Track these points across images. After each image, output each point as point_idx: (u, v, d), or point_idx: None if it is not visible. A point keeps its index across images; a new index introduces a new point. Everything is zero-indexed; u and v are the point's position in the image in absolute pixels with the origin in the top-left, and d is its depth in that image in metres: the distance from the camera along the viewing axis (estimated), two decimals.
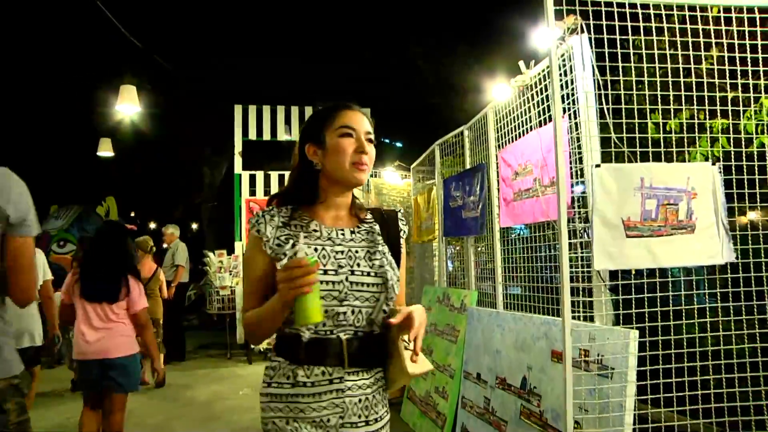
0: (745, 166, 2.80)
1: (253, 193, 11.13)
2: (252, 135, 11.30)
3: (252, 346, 9.08)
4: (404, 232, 1.90)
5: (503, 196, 3.94)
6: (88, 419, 3.92)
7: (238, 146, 11.10)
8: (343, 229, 1.79)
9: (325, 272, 1.66)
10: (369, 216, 1.88)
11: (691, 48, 2.78)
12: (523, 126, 3.71)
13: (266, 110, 11.40)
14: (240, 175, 11.04)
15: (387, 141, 17.60)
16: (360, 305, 1.71)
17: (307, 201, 1.79)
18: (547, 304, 3.55)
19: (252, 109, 11.32)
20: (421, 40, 11.88)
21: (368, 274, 1.73)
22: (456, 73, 11.01)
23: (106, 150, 11.84)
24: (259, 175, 11.29)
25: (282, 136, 11.46)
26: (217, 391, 7.11)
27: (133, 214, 20.41)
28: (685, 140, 2.79)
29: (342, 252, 1.73)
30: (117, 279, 3.88)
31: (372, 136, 1.81)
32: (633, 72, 2.74)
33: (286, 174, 10.69)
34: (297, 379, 1.67)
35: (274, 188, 11.27)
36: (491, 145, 4.24)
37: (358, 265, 1.73)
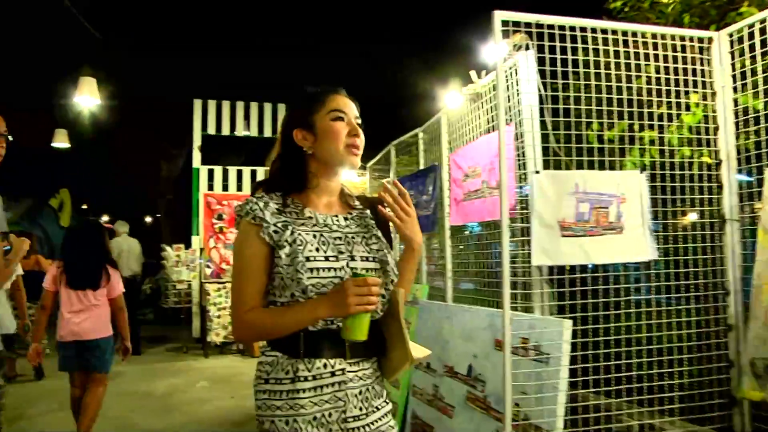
0: (668, 175, 3.13)
1: (211, 187, 11.16)
2: (211, 130, 11.33)
3: (208, 340, 9.18)
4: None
5: (454, 196, 4.20)
6: (75, 398, 4.49)
7: (197, 141, 11.12)
8: (337, 216, 1.77)
9: (326, 258, 1.65)
10: (358, 203, 1.86)
11: (623, 68, 3.07)
12: (473, 131, 3.98)
13: (226, 105, 11.46)
14: (198, 169, 11.07)
15: None
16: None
17: (297, 188, 1.75)
18: (494, 298, 3.81)
19: (212, 104, 11.35)
20: (380, 45, 12.15)
21: (367, 260, 1.72)
22: (413, 78, 11.32)
23: (61, 141, 11.70)
24: (218, 169, 11.32)
25: (241, 132, 11.53)
26: (175, 384, 7.22)
27: (85, 207, 20.11)
28: (617, 150, 3.10)
29: (340, 238, 1.71)
30: (98, 268, 4.49)
31: (360, 121, 1.79)
32: (572, 88, 3.02)
33: (244, 169, 10.82)
34: (298, 373, 1.62)
35: (232, 183, 11.34)
36: (444, 147, 4.49)
37: (357, 251, 1.72)
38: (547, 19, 2.82)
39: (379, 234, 1.79)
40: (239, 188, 11.37)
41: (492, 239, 3.92)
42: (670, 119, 3.15)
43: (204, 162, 11.22)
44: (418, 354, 1.71)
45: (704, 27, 3.55)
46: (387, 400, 1.79)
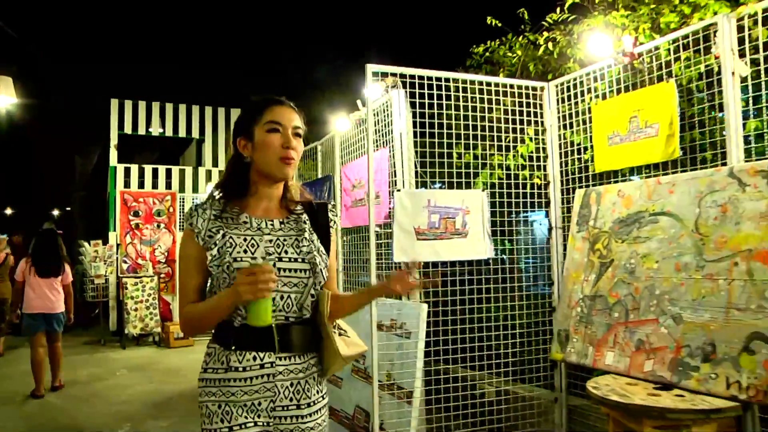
0: (513, 192, 4.01)
1: (127, 184, 11.46)
2: (128, 129, 11.63)
3: (126, 332, 9.59)
4: (334, 222, 1.96)
5: (344, 202, 4.96)
6: (38, 357, 6.39)
7: (114, 139, 11.39)
8: (272, 220, 1.83)
9: (254, 259, 1.73)
10: (299, 208, 1.92)
11: (479, 107, 3.92)
12: (359, 150, 4.75)
13: (142, 106, 11.78)
14: (115, 167, 11.35)
15: None
16: (289, 290, 1.76)
17: (237, 194, 1.84)
18: None
19: (128, 104, 11.65)
20: (289, 72, 13.08)
21: (296, 260, 1.78)
22: (315, 103, 12.50)
23: None
24: (134, 167, 11.64)
25: (156, 131, 11.88)
26: (95, 373, 7.64)
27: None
28: (472, 173, 3.94)
29: (271, 241, 1.78)
30: (59, 263, 6.62)
31: (300, 131, 1.84)
32: (436, 123, 3.83)
33: (160, 167, 11.24)
34: (230, 364, 1.72)
35: (148, 180, 11.70)
36: (337, 161, 5.26)
37: (286, 252, 1.78)
38: (408, 70, 3.63)
39: (314, 237, 1.86)
40: (155, 185, 11.75)
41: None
42: (513, 148, 4.03)
43: (120, 160, 11.51)
44: (348, 351, 1.84)
45: (546, 74, 4.45)
46: (324, 396, 1.87)
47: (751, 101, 3.05)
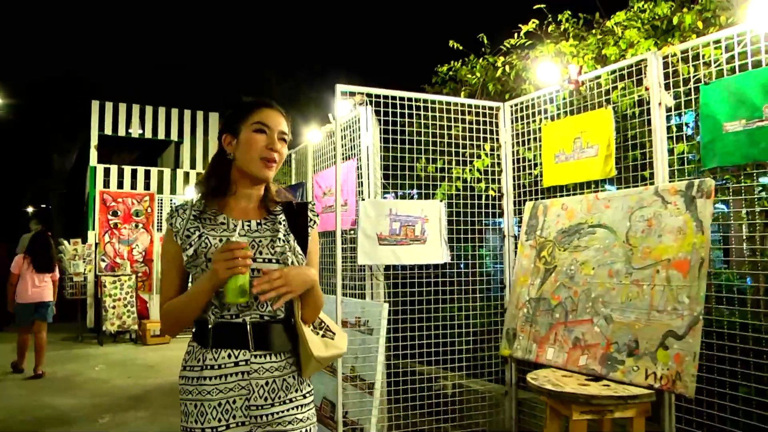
0: (470, 202, 4.39)
1: (107, 184, 11.68)
2: (108, 130, 11.84)
3: (103, 329, 9.81)
4: (314, 221, 1.95)
5: (316, 209, 5.31)
6: (24, 338, 7.50)
7: (94, 140, 11.61)
8: (249, 221, 1.85)
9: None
10: (278, 208, 1.93)
11: (444, 125, 4.29)
12: (330, 159, 5.10)
13: (122, 107, 12.00)
14: (95, 167, 11.56)
15: None
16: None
17: (217, 193, 1.86)
18: (354, 290, 4.94)
19: (109, 106, 11.86)
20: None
21: (269, 261, 1.80)
22: (291, 114, 13.27)
23: None
24: (114, 168, 11.85)
25: (136, 132, 12.12)
26: (74, 368, 7.88)
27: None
28: (431, 185, 4.32)
29: (246, 242, 1.77)
30: (52, 261, 7.65)
31: (286, 137, 1.87)
32: (396, 134, 4.19)
33: (139, 168, 11.51)
34: (206, 362, 1.74)
35: (127, 181, 11.92)
36: (309, 169, 5.61)
37: (260, 252, 1.80)
38: (374, 90, 3.99)
39: (290, 238, 1.86)
40: (134, 186, 11.97)
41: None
42: (470, 162, 4.41)
43: (100, 160, 11.72)
44: (324, 353, 1.86)
45: (504, 93, 4.83)
46: (306, 395, 1.87)
47: (674, 129, 3.45)
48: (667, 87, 3.43)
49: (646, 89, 3.49)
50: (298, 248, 1.86)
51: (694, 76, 3.31)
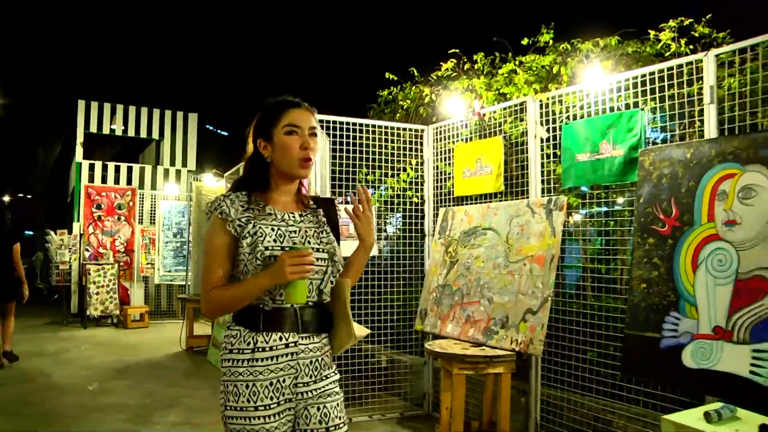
0: (401, 207, 5.40)
1: (91, 179, 12.55)
2: (93, 128, 12.70)
3: (87, 314, 10.70)
4: (340, 216, 2.08)
5: None
6: None
7: (80, 137, 12.46)
8: (293, 213, 1.95)
9: (282, 248, 1.84)
10: (312, 202, 2.06)
11: (382, 143, 5.29)
12: None
13: (107, 107, 12.86)
14: (81, 163, 12.42)
15: (211, 128, 19.50)
16: (311, 277, 1.86)
17: (259, 188, 1.95)
18: None
19: (94, 105, 12.71)
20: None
21: (318, 250, 1.90)
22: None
23: None
24: (98, 164, 12.72)
25: (119, 130, 13.00)
26: (62, 347, 8.77)
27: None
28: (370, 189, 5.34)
29: (295, 232, 1.90)
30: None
31: (316, 130, 1.96)
32: (342, 151, 5.19)
33: (122, 165, 12.48)
34: (257, 345, 1.83)
35: (111, 176, 12.79)
36: None
37: (309, 242, 1.90)
38: (325, 117, 4.98)
39: (329, 229, 2.00)
40: (117, 181, 12.87)
41: None
42: (398, 175, 5.43)
43: (85, 156, 12.58)
44: (360, 333, 2.03)
45: (432, 116, 5.85)
46: (335, 371, 2.02)
47: (551, 155, 4.49)
48: (547, 122, 4.44)
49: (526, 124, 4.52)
50: (335, 240, 2.01)
51: (561, 116, 4.35)
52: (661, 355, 3.30)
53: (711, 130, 3.45)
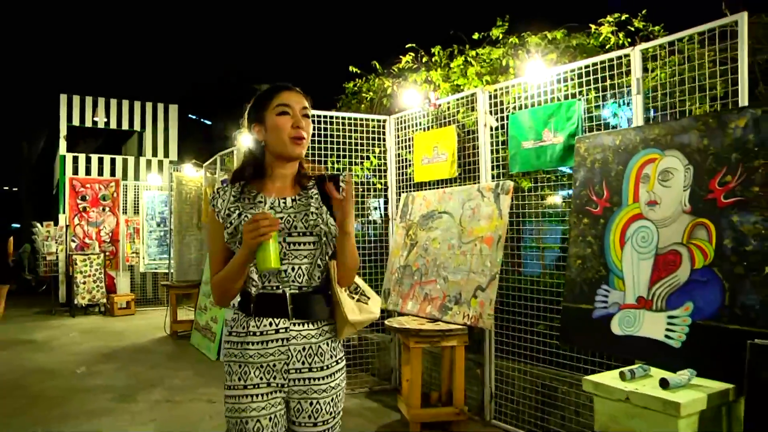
0: (365, 193, 5.72)
1: (75, 171, 12.79)
2: (75, 121, 12.92)
3: (75, 303, 10.96)
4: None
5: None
6: None
7: (63, 131, 12.68)
8: (285, 198, 1.95)
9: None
10: (311, 183, 2.02)
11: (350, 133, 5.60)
12: None
13: (89, 100, 13.08)
14: (65, 156, 12.65)
15: (194, 117, 19.70)
16: (299, 262, 1.88)
17: (253, 176, 1.98)
18: None
19: (76, 99, 12.92)
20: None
21: (304, 234, 1.88)
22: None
23: None
24: (82, 156, 12.96)
25: (102, 122, 13.24)
26: (51, 335, 9.04)
27: None
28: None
29: (282, 218, 1.87)
30: None
31: (308, 111, 1.96)
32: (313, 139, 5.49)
33: (105, 157, 12.82)
34: (249, 329, 1.88)
35: (95, 168, 13.04)
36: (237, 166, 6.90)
37: (295, 227, 1.88)
38: None
39: (320, 209, 1.92)
40: (100, 173, 13.11)
41: None
42: (361, 162, 5.74)
43: (69, 149, 12.82)
44: (358, 317, 1.97)
45: (393, 107, 6.15)
46: (338, 360, 1.99)
47: (500, 143, 4.82)
48: (497, 112, 4.75)
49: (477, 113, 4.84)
50: (330, 219, 1.92)
51: (509, 106, 4.66)
52: (593, 325, 3.64)
53: (638, 118, 3.78)
